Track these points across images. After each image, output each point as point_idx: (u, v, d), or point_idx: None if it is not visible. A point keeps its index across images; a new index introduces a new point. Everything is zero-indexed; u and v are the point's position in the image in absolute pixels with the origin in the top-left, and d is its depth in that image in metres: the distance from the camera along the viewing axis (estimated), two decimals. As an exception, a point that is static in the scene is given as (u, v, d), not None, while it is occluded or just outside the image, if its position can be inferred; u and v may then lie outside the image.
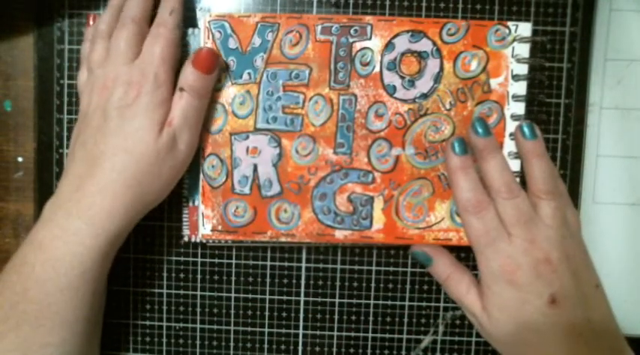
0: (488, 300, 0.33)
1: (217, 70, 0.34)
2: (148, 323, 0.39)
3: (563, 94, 0.37)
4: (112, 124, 0.31)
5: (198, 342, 0.39)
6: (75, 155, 0.32)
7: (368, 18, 0.34)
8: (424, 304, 0.38)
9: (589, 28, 0.37)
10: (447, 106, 0.35)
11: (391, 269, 0.38)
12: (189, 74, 0.32)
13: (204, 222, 0.35)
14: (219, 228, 0.35)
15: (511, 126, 0.35)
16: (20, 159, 0.38)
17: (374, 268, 0.38)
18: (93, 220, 0.30)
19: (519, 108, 0.35)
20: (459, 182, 0.33)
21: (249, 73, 0.35)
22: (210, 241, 0.37)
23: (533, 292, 0.31)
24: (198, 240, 0.37)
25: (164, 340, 0.39)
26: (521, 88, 0.35)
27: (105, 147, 0.31)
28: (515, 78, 0.35)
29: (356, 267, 0.38)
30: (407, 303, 0.38)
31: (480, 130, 0.33)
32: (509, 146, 0.35)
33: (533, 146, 0.33)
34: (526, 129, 0.34)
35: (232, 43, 0.34)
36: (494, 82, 0.35)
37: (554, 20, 0.36)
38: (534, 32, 0.36)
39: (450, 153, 0.34)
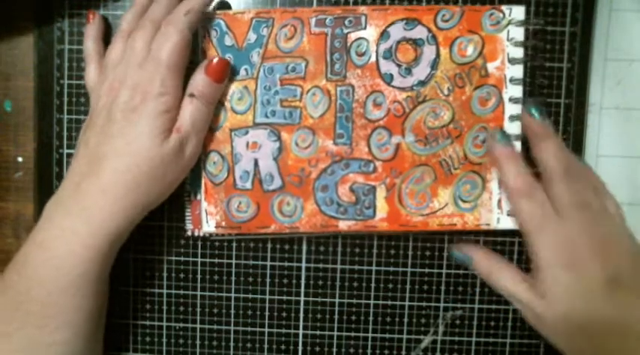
0: (544, 286, 0.31)
1: (227, 79, 0.34)
2: (148, 323, 0.39)
3: (563, 94, 0.37)
4: (116, 127, 0.31)
5: (198, 342, 0.38)
6: (79, 153, 0.32)
7: (362, 8, 0.34)
8: (424, 304, 0.38)
9: (589, 28, 0.36)
10: (445, 92, 0.35)
11: (391, 269, 0.38)
12: (200, 81, 0.32)
13: (207, 219, 0.35)
14: (223, 224, 0.35)
15: (510, 108, 0.35)
16: (20, 159, 0.38)
17: (374, 268, 0.38)
18: (92, 220, 0.30)
19: (517, 90, 0.35)
20: (509, 168, 0.33)
21: (246, 69, 0.35)
22: (214, 236, 0.37)
23: (590, 275, 0.30)
24: (202, 234, 0.37)
25: (164, 340, 0.39)
26: (518, 70, 0.35)
27: (107, 149, 0.31)
28: (512, 61, 0.34)
29: (356, 267, 0.38)
30: (407, 303, 0.38)
31: (537, 114, 0.34)
32: (509, 128, 0.35)
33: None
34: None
35: (228, 41, 0.35)
36: (491, 66, 0.35)
37: (554, 20, 0.36)
38: (534, 33, 0.36)
39: (494, 143, 0.34)
